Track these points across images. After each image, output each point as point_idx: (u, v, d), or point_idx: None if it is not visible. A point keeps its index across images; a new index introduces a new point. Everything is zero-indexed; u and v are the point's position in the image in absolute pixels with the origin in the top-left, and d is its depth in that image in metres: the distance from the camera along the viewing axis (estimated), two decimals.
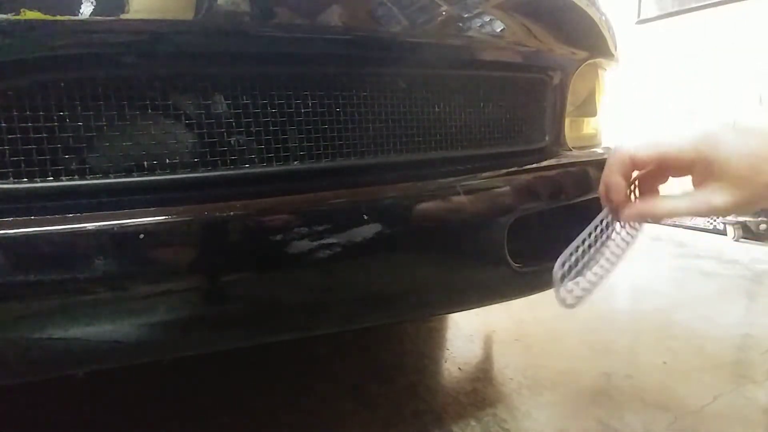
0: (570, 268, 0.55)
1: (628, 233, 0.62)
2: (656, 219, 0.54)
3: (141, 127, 0.45)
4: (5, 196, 0.41)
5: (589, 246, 0.56)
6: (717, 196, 0.48)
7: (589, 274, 0.57)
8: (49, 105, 0.41)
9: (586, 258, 0.56)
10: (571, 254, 0.55)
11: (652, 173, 0.55)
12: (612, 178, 0.55)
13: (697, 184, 0.50)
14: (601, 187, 0.55)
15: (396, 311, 0.61)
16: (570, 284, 0.55)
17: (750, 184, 0.46)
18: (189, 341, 0.49)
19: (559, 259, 0.53)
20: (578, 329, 1.38)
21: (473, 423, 0.93)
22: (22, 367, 0.44)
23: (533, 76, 0.68)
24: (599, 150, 0.83)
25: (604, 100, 0.84)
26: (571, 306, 0.55)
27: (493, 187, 0.61)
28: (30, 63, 0.39)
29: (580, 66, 0.71)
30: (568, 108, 0.74)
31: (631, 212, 0.55)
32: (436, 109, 0.59)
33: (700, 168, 0.49)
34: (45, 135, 0.41)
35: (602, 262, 0.59)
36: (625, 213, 0.55)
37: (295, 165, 0.51)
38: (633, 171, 0.55)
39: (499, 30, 0.57)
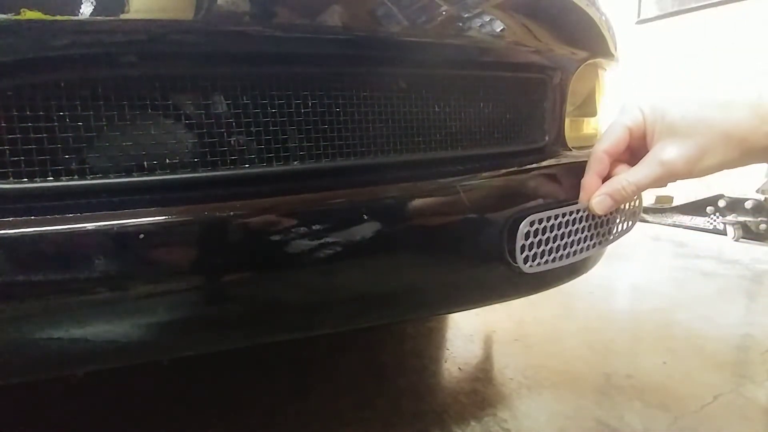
0: (536, 232, 0.58)
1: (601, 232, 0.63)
2: (622, 197, 0.56)
3: (141, 127, 0.45)
4: (5, 196, 0.41)
5: (560, 225, 0.59)
6: (665, 152, 0.52)
7: (557, 254, 0.60)
8: (49, 105, 0.41)
9: (554, 233, 0.58)
10: (541, 220, 0.57)
11: (625, 157, 0.59)
12: (586, 178, 0.59)
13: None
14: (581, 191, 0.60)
15: (396, 311, 0.61)
16: (535, 252, 0.58)
17: (690, 138, 0.51)
18: (189, 341, 0.49)
19: (528, 218, 0.57)
20: (578, 329, 1.38)
21: (473, 423, 0.93)
22: (22, 367, 0.44)
23: (533, 76, 0.68)
24: None
25: (604, 100, 0.84)
26: (525, 270, 0.59)
27: (492, 187, 0.61)
28: (30, 63, 0.39)
29: (580, 66, 0.71)
30: (568, 108, 0.74)
31: (597, 200, 0.57)
32: (436, 109, 0.59)
33: (650, 134, 0.54)
34: (45, 135, 0.41)
35: (572, 247, 0.61)
36: (593, 202, 0.58)
37: (295, 165, 0.51)
38: (608, 165, 0.58)
39: (498, 30, 0.57)
